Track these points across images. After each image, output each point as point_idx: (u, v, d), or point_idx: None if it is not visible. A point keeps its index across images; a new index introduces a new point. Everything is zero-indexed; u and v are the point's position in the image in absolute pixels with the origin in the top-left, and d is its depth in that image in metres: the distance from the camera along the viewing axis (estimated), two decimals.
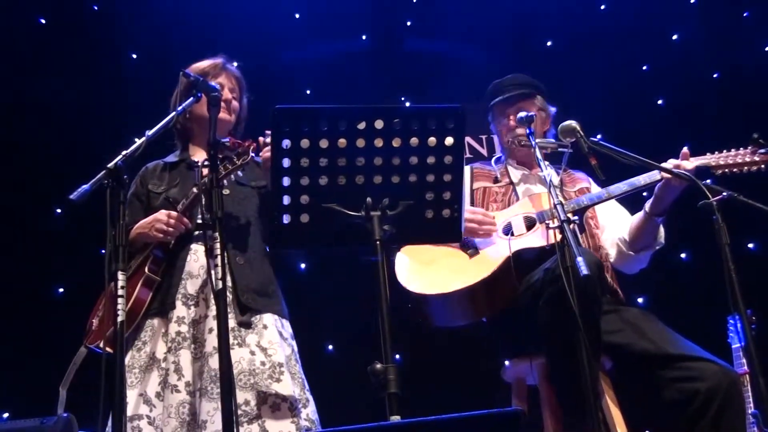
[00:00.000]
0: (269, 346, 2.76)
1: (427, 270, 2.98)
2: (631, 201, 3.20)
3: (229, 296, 2.78)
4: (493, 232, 3.04)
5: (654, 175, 2.91)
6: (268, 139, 2.68)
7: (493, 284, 2.87)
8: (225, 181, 2.79)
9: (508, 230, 3.07)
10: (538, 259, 2.88)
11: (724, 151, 2.94)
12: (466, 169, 3.37)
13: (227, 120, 3.08)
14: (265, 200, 3.00)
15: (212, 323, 2.71)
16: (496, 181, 3.35)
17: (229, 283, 2.80)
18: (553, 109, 3.44)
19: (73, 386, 2.74)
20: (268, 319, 2.84)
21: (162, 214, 2.82)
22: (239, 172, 2.79)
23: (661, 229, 3.12)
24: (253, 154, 2.76)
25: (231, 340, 2.69)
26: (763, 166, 2.88)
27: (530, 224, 3.06)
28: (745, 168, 2.89)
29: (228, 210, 2.89)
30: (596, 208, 3.28)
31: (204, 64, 3.10)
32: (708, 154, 2.95)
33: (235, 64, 3.22)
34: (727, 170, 2.91)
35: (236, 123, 3.17)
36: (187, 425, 2.64)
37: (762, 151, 2.86)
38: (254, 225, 2.97)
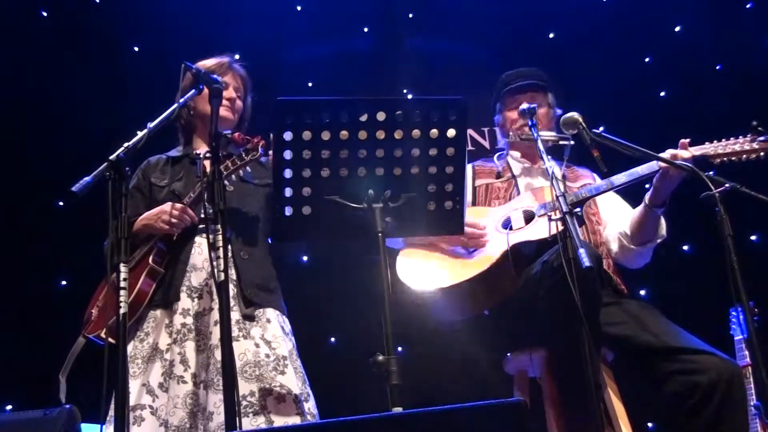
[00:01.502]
0: (273, 339, 2.78)
1: (427, 267, 2.99)
2: (634, 195, 3.20)
3: (234, 290, 2.80)
4: (482, 246, 3.02)
5: (654, 165, 2.90)
6: None
7: (491, 278, 2.87)
8: (233, 176, 2.79)
9: (507, 224, 3.07)
10: (537, 251, 2.88)
11: (723, 139, 2.90)
12: (468, 167, 3.37)
13: (229, 119, 3.08)
14: (269, 198, 3.00)
15: (217, 315, 2.71)
16: (498, 176, 3.34)
17: (234, 277, 2.83)
18: (559, 111, 3.42)
19: (79, 377, 2.75)
20: (271, 313, 2.85)
21: (168, 206, 2.82)
22: (247, 168, 2.79)
23: (663, 222, 3.11)
24: (261, 151, 2.76)
25: (236, 332, 2.72)
26: (762, 153, 2.83)
27: (529, 218, 3.05)
28: (744, 156, 2.85)
29: (232, 206, 2.90)
30: (598, 204, 3.28)
31: (210, 62, 3.09)
32: (707, 143, 2.93)
33: (237, 56, 3.21)
34: (726, 159, 2.87)
35: (239, 122, 3.17)
36: (194, 416, 2.66)
37: (761, 138, 2.82)
38: (257, 222, 2.97)
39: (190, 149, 3.11)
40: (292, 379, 2.71)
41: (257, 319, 2.81)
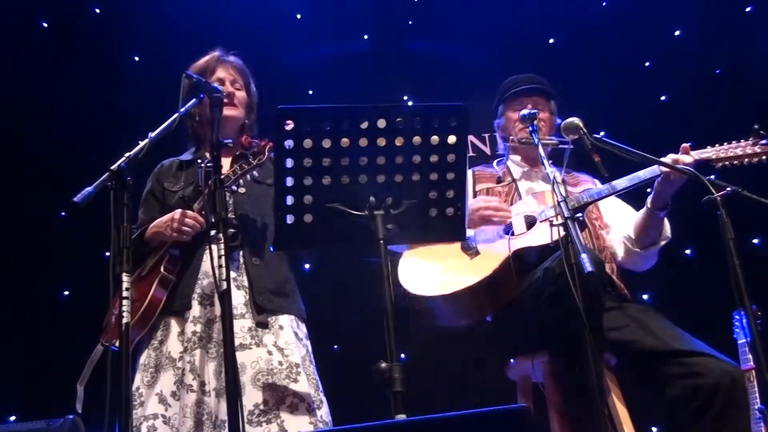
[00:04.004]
0: (286, 346, 2.77)
1: (429, 272, 2.99)
2: (637, 198, 3.20)
3: (245, 297, 2.80)
4: (508, 219, 3.03)
5: (655, 170, 2.91)
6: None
7: (493, 283, 2.88)
8: (241, 180, 2.79)
9: (508, 230, 3.07)
10: (539, 257, 2.89)
11: (725, 143, 2.91)
12: (468, 172, 3.38)
13: (234, 116, 3.05)
14: None
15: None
16: (499, 181, 3.35)
17: (246, 284, 2.82)
18: (559, 120, 3.43)
19: (87, 385, 2.75)
20: (284, 320, 2.84)
21: (178, 214, 2.81)
22: (255, 171, 2.79)
23: (666, 223, 3.11)
24: (270, 154, 2.75)
25: (249, 340, 2.73)
26: (764, 157, 2.85)
27: (531, 223, 3.06)
28: (746, 160, 2.86)
29: (245, 209, 2.91)
30: (601, 208, 3.28)
31: (201, 60, 3.10)
32: (708, 147, 2.93)
33: (232, 54, 3.21)
34: (727, 163, 2.87)
35: (247, 113, 3.15)
36: (203, 425, 2.64)
37: (763, 142, 2.83)
38: (271, 224, 2.93)
39: (202, 153, 3.09)
40: (305, 386, 2.70)
41: (270, 326, 2.80)
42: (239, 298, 2.77)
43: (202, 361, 2.71)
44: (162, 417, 2.66)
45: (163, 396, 2.69)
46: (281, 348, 2.76)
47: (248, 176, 2.80)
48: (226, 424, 2.55)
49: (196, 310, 2.79)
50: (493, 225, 3.05)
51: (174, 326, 2.80)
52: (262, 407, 2.64)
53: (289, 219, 2.31)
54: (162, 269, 2.80)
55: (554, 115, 3.41)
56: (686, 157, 2.88)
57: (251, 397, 2.63)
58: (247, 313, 2.77)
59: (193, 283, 2.82)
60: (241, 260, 2.85)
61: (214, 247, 2.34)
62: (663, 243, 3.13)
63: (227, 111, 2.97)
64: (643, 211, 3.07)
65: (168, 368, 2.73)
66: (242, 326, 2.74)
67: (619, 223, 3.23)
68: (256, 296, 2.81)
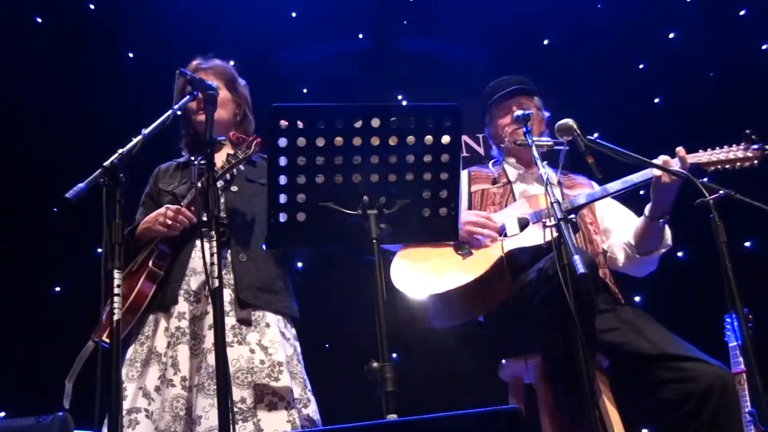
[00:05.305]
0: (270, 345, 2.77)
1: (420, 272, 2.99)
2: (635, 202, 3.20)
3: (231, 295, 2.80)
4: (494, 237, 3.03)
5: (648, 173, 2.91)
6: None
7: (485, 283, 2.87)
8: (231, 177, 2.79)
9: (501, 231, 3.07)
10: (532, 258, 2.88)
11: (717, 147, 2.91)
12: (464, 173, 3.38)
13: (220, 119, 3.03)
14: None
15: (212, 320, 2.71)
16: (494, 182, 3.35)
17: (232, 281, 2.82)
18: (547, 114, 3.44)
19: (77, 382, 2.74)
20: (271, 318, 2.84)
21: (165, 208, 2.83)
22: (242, 167, 2.78)
23: (667, 231, 3.10)
24: (257, 149, 2.76)
25: (231, 338, 2.72)
26: (755, 161, 2.85)
27: (524, 225, 3.06)
28: (738, 164, 2.86)
29: (236, 206, 2.92)
30: (598, 212, 3.28)
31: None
32: (700, 150, 2.93)
33: (214, 59, 3.21)
34: (719, 167, 2.87)
35: (235, 110, 3.15)
36: (181, 420, 2.64)
37: (754, 147, 2.84)
38: (261, 222, 2.94)
39: (195, 152, 3.11)
40: (286, 385, 2.70)
41: (255, 324, 2.80)
42: (225, 296, 2.76)
43: (184, 357, 2.72)
44: (145, 411, 2.66)
45: (146, 390, 2.70)
46: (265, 347, 2.76)
47: (242, 174, 2.79)
48: (201, 420, 2.58)
49: (182, 306, 2.80)
50: (479, 242, 3.03)
51: (161, 322, 2.81)
52: (239, 405, 2.64)
53: (282, 217, 2.31)
54: (150, 263, 2.81)
55: (541, 110, 3.42)
56: (675, 161, 2.88)
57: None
58: (231, 311, 2.78)
59: (180, 279, 2.83)
60: (229, 258, 2.85)
61: (206, 244, 2.34)
62: (663, 250, 3.13)
63: (201, 116, 2.97)
64: (641, 220, 3.06)
65: (154, 363, 2.74)
66: (225, 324, 2.73)
67: (619, 228, 3.22)
68: (239, 292, 2.81)
